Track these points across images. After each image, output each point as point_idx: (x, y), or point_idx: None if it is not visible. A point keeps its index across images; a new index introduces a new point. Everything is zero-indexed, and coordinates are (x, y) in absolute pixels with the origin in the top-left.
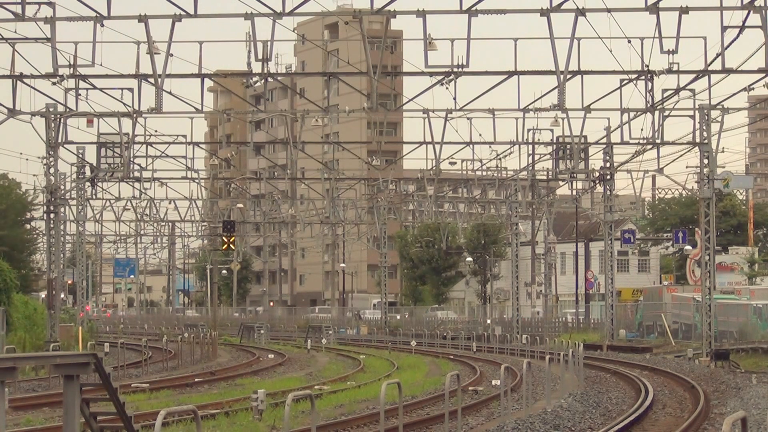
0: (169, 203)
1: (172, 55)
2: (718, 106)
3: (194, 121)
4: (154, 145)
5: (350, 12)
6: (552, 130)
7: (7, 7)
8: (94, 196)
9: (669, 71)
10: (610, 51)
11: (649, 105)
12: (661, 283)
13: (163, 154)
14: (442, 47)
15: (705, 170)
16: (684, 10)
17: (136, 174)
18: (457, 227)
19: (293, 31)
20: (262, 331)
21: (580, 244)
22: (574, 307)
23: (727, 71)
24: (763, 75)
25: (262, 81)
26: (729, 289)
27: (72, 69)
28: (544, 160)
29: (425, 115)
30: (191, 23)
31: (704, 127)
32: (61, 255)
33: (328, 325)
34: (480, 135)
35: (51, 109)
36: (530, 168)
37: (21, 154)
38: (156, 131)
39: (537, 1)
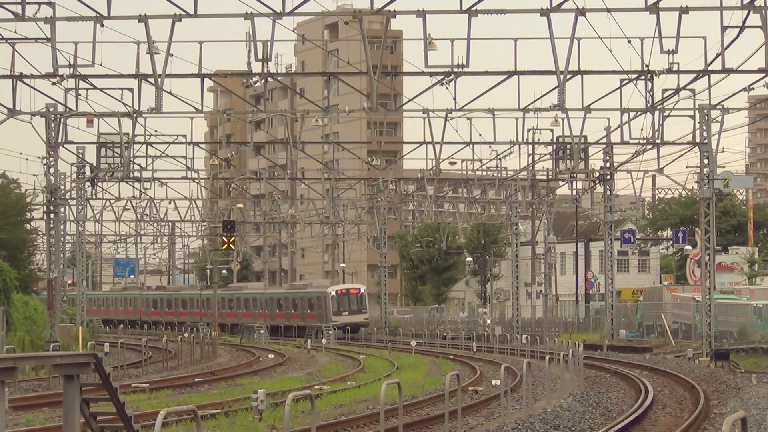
0: (169, 203)
1: (172, 55)
2: (718, 106)
3: (194, 121)
4: (154, 145)
5: (350, 12)
6: (552, 130)
7: (7, 7)
8: (94, 196)
9: (669, 71)
10: (610, 51)
11: (649, 105)
12: (661, 283)
13: (163, 154)
14: (442, 47)
15: (705, 170)
16: (684, 10)
17: (136, 174)
18: (457, 227)
19: (293, 31)
20: (262, 331)
21: (580, 244)
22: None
23: (727, 71)
24: (763, 75)
25: (262, 81)
26: (729, 289)
27: (72, 69)
28: (544, 160)
29: (425, 115)
30: (191, 23)
31: (704, 127)
32: (61, 255)
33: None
34: (480, 135)
35: (51, 109)
36: (530, 168)
37: (21, 154)
38: (156, 131)
39: (537, 1)
